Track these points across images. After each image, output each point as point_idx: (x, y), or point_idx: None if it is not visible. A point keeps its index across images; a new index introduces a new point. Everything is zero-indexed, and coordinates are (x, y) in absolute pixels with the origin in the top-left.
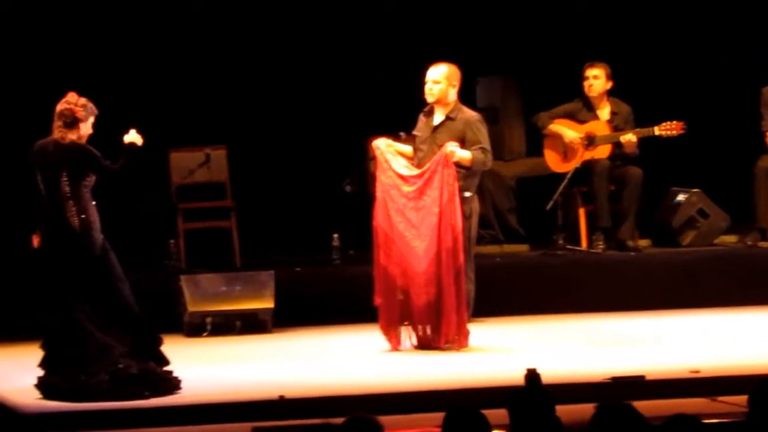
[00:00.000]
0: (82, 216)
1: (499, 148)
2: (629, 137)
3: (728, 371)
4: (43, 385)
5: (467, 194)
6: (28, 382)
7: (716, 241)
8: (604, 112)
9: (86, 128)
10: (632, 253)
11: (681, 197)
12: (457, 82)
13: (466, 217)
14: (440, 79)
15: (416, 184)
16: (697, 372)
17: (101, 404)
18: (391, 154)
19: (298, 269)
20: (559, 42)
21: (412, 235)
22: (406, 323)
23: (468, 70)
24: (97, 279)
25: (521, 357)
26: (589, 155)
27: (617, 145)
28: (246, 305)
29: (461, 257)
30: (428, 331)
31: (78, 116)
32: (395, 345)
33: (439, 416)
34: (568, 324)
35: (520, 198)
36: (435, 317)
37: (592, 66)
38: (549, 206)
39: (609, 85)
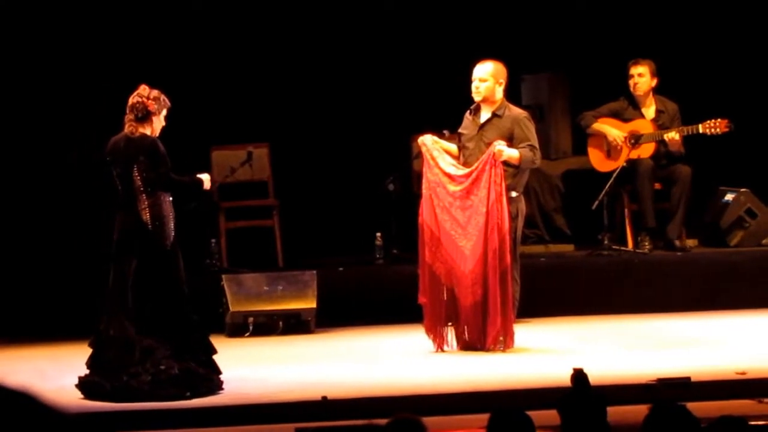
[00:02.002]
0: (155, 210)
1: (545, 147)
2: (673, 135)
3: None
4: (84, 385)
5: (514, 194)
6: (69, 381)
7: (765, 241)
8: (650, 110)
9: (159, 121)
10: (679, 253)
11: (729, 197)
12: (503, 80)
13: (513, 218)
14: (487, 77)
15: (463, 184)
16: (743, 373)
17: (143, 404)
18: (437, 151)
19: (341, 269)
20: (606, 38)
21: (459, 234)
22: (450, 323)
23: (513, 67)
24: (162, 274)
25: (566, 358)
26: (634, 154)
27: (662, 143)
28: (288, 305)
29: (508, 258)
30: (474, 332)
31: (150, 109)
32: (439, 345)
33: (483, 417)
34: (613, 325)
35: (565, 197)
36: (481, 318)
37: (636, 64)
38: (594, 206)
39: (654, 82)
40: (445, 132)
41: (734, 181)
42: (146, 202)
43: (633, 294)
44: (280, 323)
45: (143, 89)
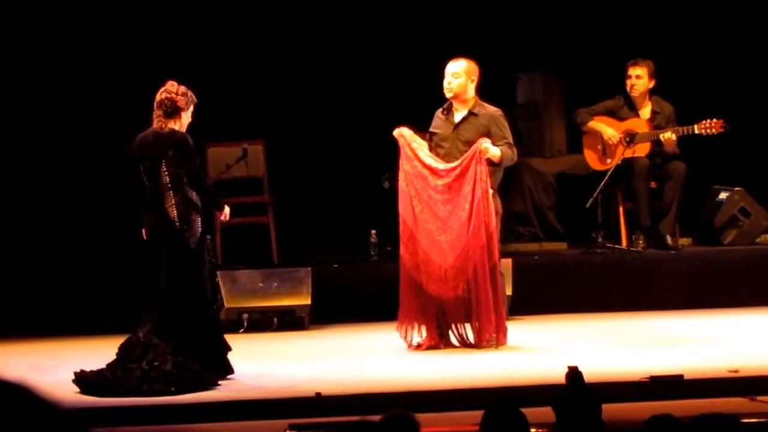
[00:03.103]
0: (182, 207)
1: (539, 145)
2: (668, 135)
3: (767, 371)
4: (79, 380)
5: (490, 191)
6: (67, 376)
7: (758, 240)
8: (646, 110)
9: (187, 117)
10: (672, 252)
11: (723, 195)
12: (475, 77)
13: (495, 214)
14: (460, 73)
15: (445, 179)
16: (736, 371)
17: (139, 400)
18: (416, 143)
19: (335, 265)
20: (603, 37)
21: (437, 227)
22: (426, 321)
23: (509, 65)
24: (185, 272)
25: (559, 355)
26: (628, 153)
27: (657, 143)
28: (283, 302)
29: (496, 254)
30: (462, 328)
31: (179, 105)
32: (408, 338)
33: (476, 414)
34: (606, 323)
35: (560, 195)
36: (464, 314)
37: (635, 65)
38: (588, 204)
39: (651, 83)
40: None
41: (728, 180)
42: (173, 199)
43: (627, 292)
44: (275, 320)
45: (171, 85)
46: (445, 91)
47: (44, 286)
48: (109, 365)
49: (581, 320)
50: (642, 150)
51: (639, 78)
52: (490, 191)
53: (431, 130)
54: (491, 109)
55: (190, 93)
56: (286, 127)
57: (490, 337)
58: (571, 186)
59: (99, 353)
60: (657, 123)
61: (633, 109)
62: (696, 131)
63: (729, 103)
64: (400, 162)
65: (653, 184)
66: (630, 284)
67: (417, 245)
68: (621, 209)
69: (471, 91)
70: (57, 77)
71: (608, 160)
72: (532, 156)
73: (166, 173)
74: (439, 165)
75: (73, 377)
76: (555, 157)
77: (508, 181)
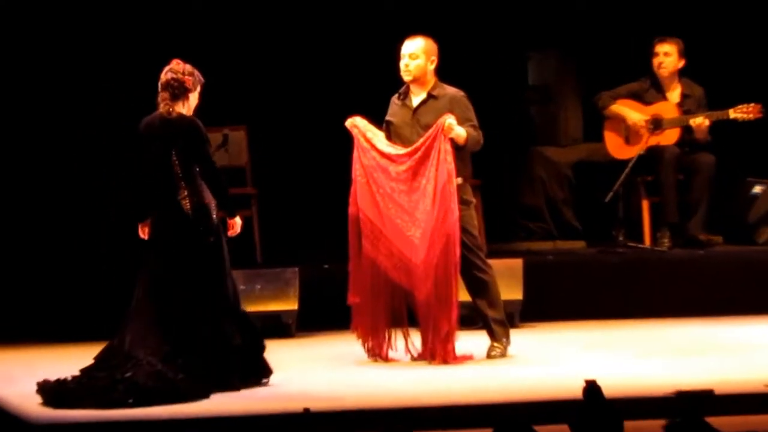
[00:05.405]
0: (195, 199)
1: (552, 133)
2: (700, 121)
3: None
4: (41, 390)
5: (460, 180)
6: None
7: None
8: (674, 93)
9: (195, 98)
10: (701, 251)
11: (757, 189)
12: (435, 57)
13: (467, 204)
14: (418, 53)
15: (407, 163)
16: None
17: (107, 413)
18: (371, 132)
19: (325, 266)
20: (624, 14)
21: (406, 222)
22: (403, 326)
23: (519, 43)
24: (204, 268)
25: (575, 367)
26: (654, 140)
27: (687, 130)
28: (267, 306)
29: (457, 251)
30: (429, 335)
31: (187, 86)
32: (378, 351)
33: None
34: (628, 330)
35: (577, 188)
36: (430, 317)
37: (662, 42)
38: (608, 198)
39: (681, 63)
40: None
41: (763, 171)
42: (186, 191)
43: (650, 296)
44: (258, 326)
45: (176, 64)
46: (403, 73)
47: (23, 293)
48: (82, 370)
49: (599, 328)
50: (670, 137)
51: (667, 55)
52: (459, 180)
53: (387, 118)
54: (452, 91)
55: (197, 72)
56: (270, 112)
57: (439, 349)
58: (589, 177)
59: (72, 361)
60: (687, 107)
61: (660, 91)
62: (731, 116)
63: (760, 86)
64: (355, 155)
65: (679, 177)
66: (654, 287)
67: (390, 244)
68: (644, 204)
69: (431, 72)
70: (57, 77)
71: (632, 149)
72: (546, 145)
73: (177, 162)
74: (399, 150)
75: (36, 387)
76: (570, 146)
77: (519, 173)
